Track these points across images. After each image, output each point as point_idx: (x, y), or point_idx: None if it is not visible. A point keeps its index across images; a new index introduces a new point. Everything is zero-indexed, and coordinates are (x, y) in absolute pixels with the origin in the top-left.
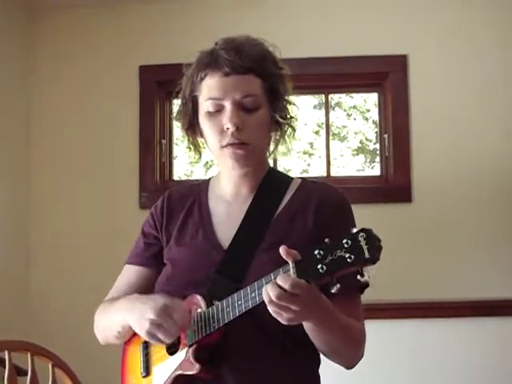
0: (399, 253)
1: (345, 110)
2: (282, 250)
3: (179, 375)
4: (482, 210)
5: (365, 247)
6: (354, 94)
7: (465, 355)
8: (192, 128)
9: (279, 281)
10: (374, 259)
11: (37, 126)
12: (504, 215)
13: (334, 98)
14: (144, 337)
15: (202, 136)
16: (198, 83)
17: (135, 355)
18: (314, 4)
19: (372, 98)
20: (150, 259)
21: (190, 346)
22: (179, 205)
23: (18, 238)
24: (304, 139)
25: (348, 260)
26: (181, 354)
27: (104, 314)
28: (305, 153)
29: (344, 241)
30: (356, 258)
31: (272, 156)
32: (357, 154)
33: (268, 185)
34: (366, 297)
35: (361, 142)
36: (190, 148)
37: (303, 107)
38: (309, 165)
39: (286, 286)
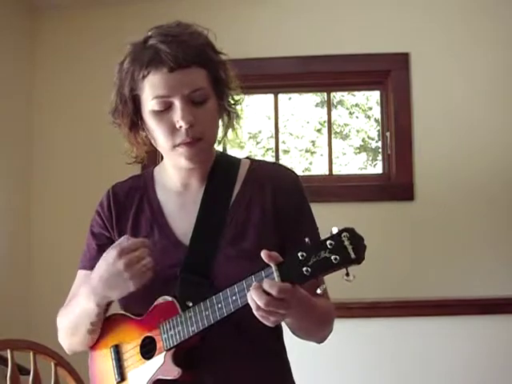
0: (401, 251)
1: (347, 108)
2: (264, 254)
3: (159, 380)
4: (483, 208)
5: (349, 247)
6: (356, 92)
7: (472, 353)
8: (135, 128)
9: (266, 287)
10: (359, 259)
11: (38, 124)
12: (506, 213)
13: (336, 96)
14: (132, 287)
15: (146, 133)
16: (140, 81)
17: (105, 360)
18: (316, 2)
19: (374, 96)
20: None
21: (167, 351)
22: (127, 201)
23: (19, 237)
24: (306, 137)
25: (333, 261)
26: (158, 359)
27: (67, 315)
28: (307, 151)
29: (328, 241)
30: (341, 259)
31: (222, 143)
32: (359, 152)
33: (217, 172)
34: (369, 295)
35: (363, 140)
36: (134, 147)
37: (305, 105)
38: (311, 163)
39: (273, 292)
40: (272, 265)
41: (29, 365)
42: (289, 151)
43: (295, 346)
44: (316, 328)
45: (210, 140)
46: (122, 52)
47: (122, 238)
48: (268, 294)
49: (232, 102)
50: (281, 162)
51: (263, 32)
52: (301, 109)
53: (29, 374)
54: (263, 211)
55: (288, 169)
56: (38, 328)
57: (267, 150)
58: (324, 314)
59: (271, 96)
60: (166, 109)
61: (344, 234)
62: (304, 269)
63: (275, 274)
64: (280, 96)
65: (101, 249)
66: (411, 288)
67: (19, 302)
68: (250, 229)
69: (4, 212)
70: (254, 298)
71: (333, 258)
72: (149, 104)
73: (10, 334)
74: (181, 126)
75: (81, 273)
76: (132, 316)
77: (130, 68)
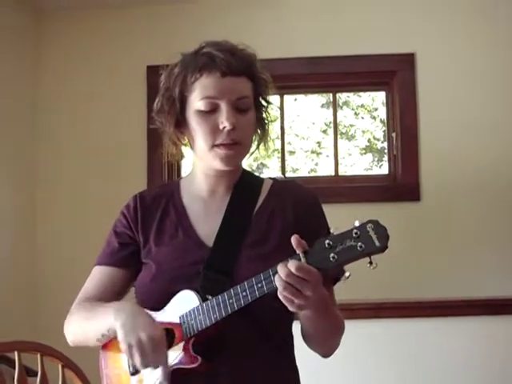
0: (407, 251)
1: (352, 109)
2: (294, 239)
3: (176, 369)
4: (489, 208)
5: (374, 236)
6: (361, 93)
7: (472, 354)
8: (179, 127)
9: (289, 265)
10: (383, 247)
11: (43, 126)
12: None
13: (342, 96)
14: (122, 348)
15: (186, 134)
16: (191, 84)
17: (118, 354)
18: (322, 3)
19: (380, 97)
20: (125, 260)
21: (187, 340)
22: (153, 205)
23: (25, 238)
24: (312, 138)
25: (359, 249)
26: (177, 348)
27: (86, 314)
28: (313, 152)
29: (354, 231)
30: (367, 247)
31: (253, 157)
32: (365, 153)
33: (243, 185)
34: (375, 296)
35: (369, 140)
36: (175, 145)
37: (311, 106)
38: (316, 164)
39: (292, 269)
40: (299, 251)
41: (36, 367)
42: (294, 152)
43: (300, 347)
44: (330, 333)
45: (246, 146)
46: (130, 54)
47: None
48: (290, 270)
49: (267, 117)
50: (286, 163)
51: (268, 33)
52: (306, 110)
53: (36, 375)
54: (284, 222)
55: (307, 187)
56: (45, 330)
57: (273, 151)
58: (338, 322)
59: (277, 97)
60: (211, 110)
61: (369, 224)
62: (331, 255)
63: (302, 260)
64: (285, 97)
65: (122, 247)
66: (417, 289)
67: (26, 304)
68: (271, 235)
69: (9, 213)
70: (278, 273)
71: (358, 245)
72: (196, 104)
73: (17, 336)
74: (224, 127)
75: (97, 268)
76: (147, 310)
77: (182, 72)
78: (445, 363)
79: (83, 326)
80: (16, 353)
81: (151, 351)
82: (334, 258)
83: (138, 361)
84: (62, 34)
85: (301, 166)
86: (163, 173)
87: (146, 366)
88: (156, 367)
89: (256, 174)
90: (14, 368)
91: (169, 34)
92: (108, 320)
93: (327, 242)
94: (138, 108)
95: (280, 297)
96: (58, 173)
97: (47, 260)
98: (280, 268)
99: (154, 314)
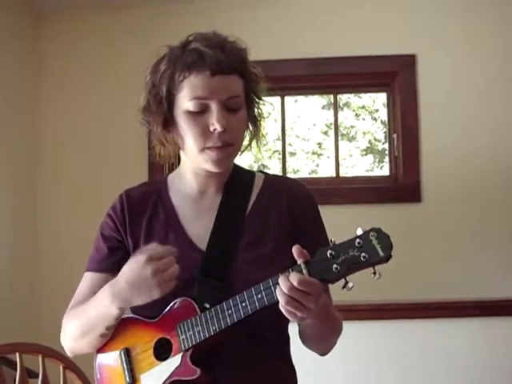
0: (408, 253)
1: (353, 110)
2: (295, 249)
3: (175, 381)
4: (490, 209)
5: (377, 246)
6: (362, 94)
7: (472, 355)
8: (167, 127)
9: (291, 278)
10: (387, 257)
11: (43, 126)
12: None
13: (343, 98)
14: (156, 294)
15: (174, 134)
16: (179, 82)
17: (114, 363)
18: (323, 4)
19: (380, 98)
20: (116, 265)
21: (185, 351)
22: (140, 205)
23: (25, 238)
24: (313, 140)
25: (362, 259)
26: (174, 360)
27: (78, 317)
28: (313, 153)
29: (356, 240)
30: (370, 257)
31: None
32: (366, 154)
33: (234, 182)
34: (376, 297)
35: (369, 142)
36: (163, 145)
37: (312, 107)
38: (317, 165)
39: (295, 283)
40: (301, 262)
41: (37, 368)
42: (295, 153)
43: (299, 347)
44: (328, 334)
45: (238, 147)
46: (130, 54)
47: (151, 244)
48: (292, 284)
49: (259, 114)
50: (287, 164)
51: (269, 34)
52: (307, 111)
53: (37, 377)
54: (280, 219)
55: (302, 183)
56: (46, 331)
57: (274, 152)
58: (337, 323)
59: (278, 98)
60: (201, 111)
61: (372, 233)
62: (334, 266)
63: (304, 272)
64: (286, 98)
65: (111, 252)
66: (419, 290)
67: (28, 305)
68: (266, 235)
69: (10, 213)
70: (280, 286)
71: (362, 256)
72: (185, 104)
73: (18, 338)
74: (215, 129)
75: (88, 275)
76: (143, 318)
77: (170, 68)
78: (445, 364)
79: (82, 328)
80: (17, 354)
81: (164, 263)
82: (336, 268)
83: (168, 287)
84: (61, 34)
85: (302, 168)
86: (164, 171)
87: (169, 281)
88: (175, 272)
89: (246, 168)
90: (16, 370)
91: (167, 35)
92: (111, 309)
93: (329, 251)
94: (137, 107)
95: (282, 310)
96: (58, 172)
97: (49, 260)
98: (282, 281)
99: (149, 322)
